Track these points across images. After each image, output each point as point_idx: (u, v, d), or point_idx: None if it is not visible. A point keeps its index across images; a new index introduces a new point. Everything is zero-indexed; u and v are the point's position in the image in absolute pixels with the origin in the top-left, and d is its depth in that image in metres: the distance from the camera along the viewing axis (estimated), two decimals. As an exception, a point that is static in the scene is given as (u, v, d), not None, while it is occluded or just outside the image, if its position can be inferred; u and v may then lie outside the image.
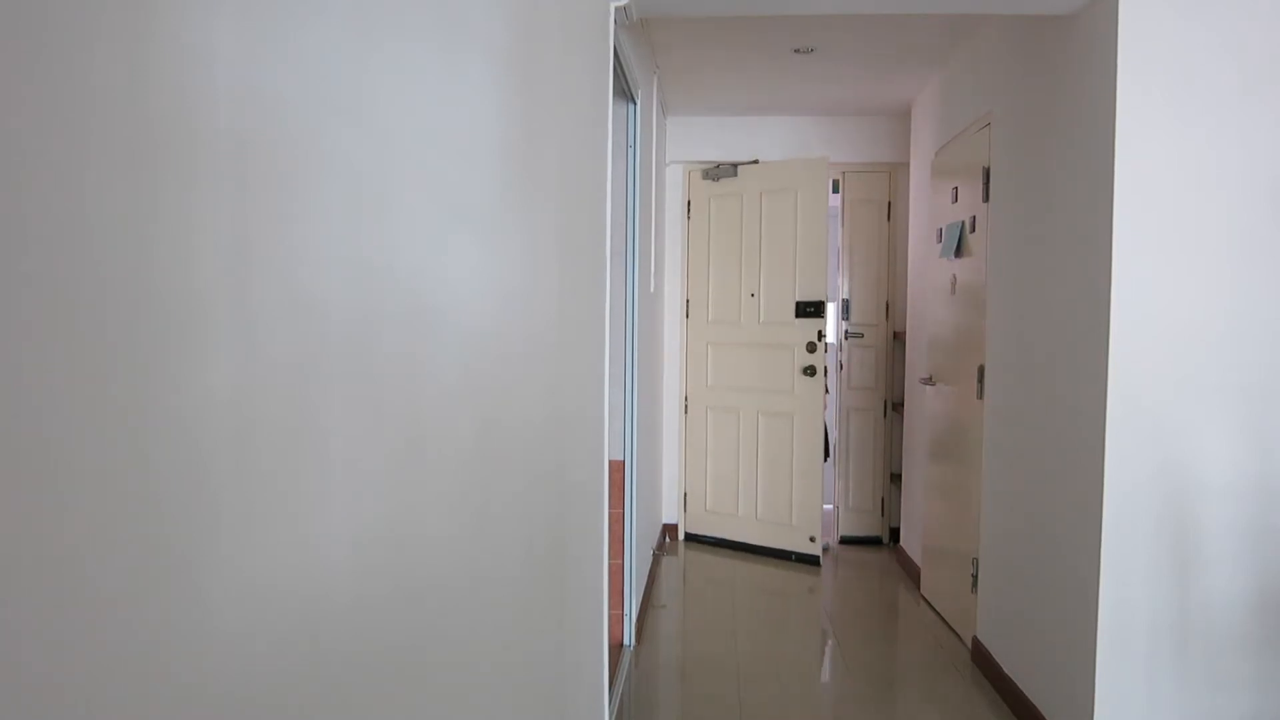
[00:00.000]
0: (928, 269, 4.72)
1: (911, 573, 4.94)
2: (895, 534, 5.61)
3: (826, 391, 5.28)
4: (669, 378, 5.64)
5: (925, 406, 4.71)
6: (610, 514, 2.97)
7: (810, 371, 5.15)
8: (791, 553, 5.26)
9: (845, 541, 5.72)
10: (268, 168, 0.75)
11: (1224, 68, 2.60)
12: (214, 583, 0.68)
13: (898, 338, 5.58)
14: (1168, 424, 2.66)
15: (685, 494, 5.72)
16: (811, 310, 5.18)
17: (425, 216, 1.11)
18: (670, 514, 5.73)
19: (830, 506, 5.90)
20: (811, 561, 5.21)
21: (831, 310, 6.02)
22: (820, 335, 5.16)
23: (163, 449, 0.62)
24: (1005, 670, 3.40)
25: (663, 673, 3.74)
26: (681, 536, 5.74)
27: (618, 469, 3.65)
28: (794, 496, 5.25)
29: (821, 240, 5.17)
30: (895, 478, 5.61)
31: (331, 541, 0.87)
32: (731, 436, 5.53)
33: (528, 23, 1.60)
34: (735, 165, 5.43)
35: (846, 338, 5.70)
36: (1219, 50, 2.60)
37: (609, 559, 2.83)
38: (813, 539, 5.20)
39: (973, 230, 3.94)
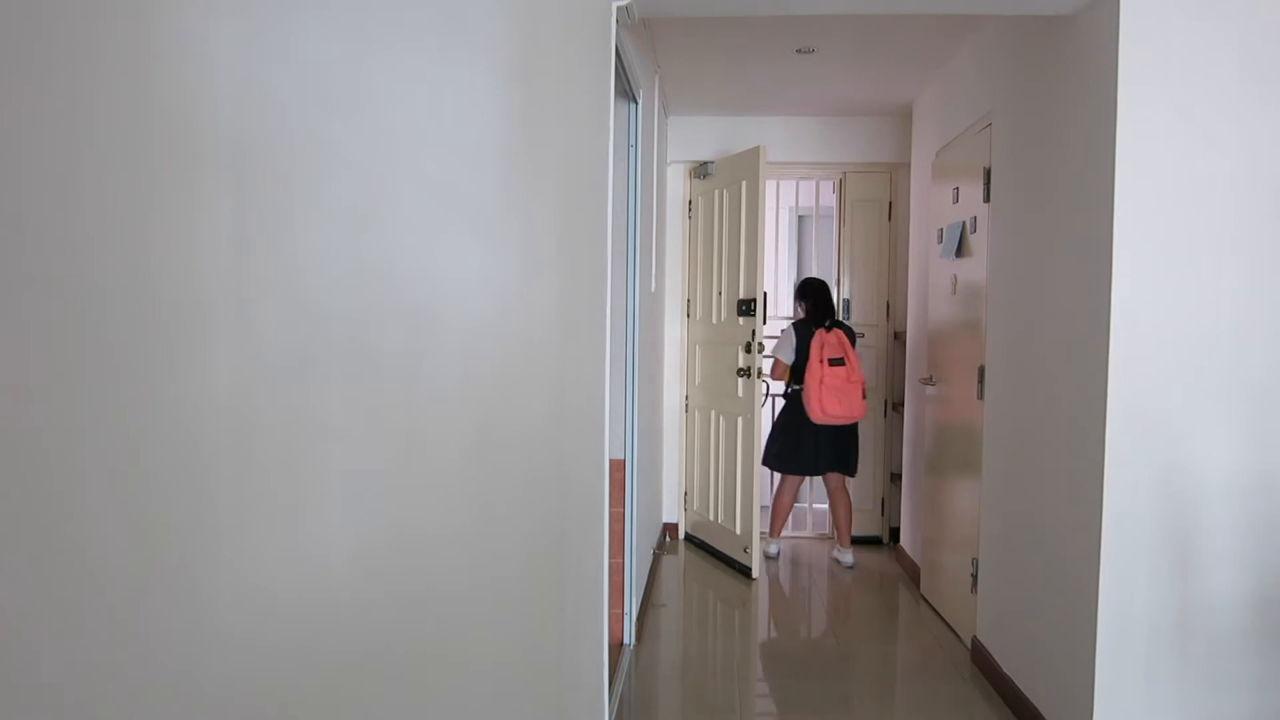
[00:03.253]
0: (928, 269, 4.72)
1: (911, 573, 4.94)
2: (895, 534, 5.61)
3: (768, 395, 5.05)
4: (669, 378, 5.63)
5: (925, 406, 4.71)
6: (610, 513, 2.98)
7: (743, 373, 4.90)
8: (736, 562, 5.06)
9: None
10: (268, 168, 0.75)
11: (1225, 67, 2.60)
12: (213, 583, 0.68)
13: (898, 338, 5.58)
14: (1168, 424, 2.66)
15: (685, 494, 5.72)
16: (746, 309, 4.88)
17: (426, 216, 1.11)
18: (670, 513, 5.73)
19: (824, 506, 5.87)
20: (744, 572, 4.96)
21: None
22: (753, 334, 4.81)
23: (162, 449, 0.62)
24: (1005, 670, 3.40)
25: (663, 672, 3.74)
26: (681, 536, 5.73)
27: (618, 468, 3.65)
28: (738, 503, 5.03)
29: (755, 234, 4.80)
30: (895, 477, 5.61)
31: (331, 542, 0.87)
32: (708, 438, 5.41)
33: (529, 23, 1.60)
34: (711, 162, 5.32)
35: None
36: (1221, 50, 2.60)
37: (609, 558, 2.83)
38: (746, 549, 4.95)
39: (973, 230, 3.93)
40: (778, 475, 5.34)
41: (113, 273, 0.57)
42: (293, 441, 0.79)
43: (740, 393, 4.98)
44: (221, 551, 0.68)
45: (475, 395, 1.31)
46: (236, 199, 0.70)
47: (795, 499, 5.33)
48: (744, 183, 4.95)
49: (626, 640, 3.80)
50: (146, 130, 0.60)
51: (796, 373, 5.04)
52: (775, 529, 5.30)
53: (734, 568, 5.07)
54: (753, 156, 4.89)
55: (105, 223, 0.56)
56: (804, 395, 4.96)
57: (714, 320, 5.31)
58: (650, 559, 4.71)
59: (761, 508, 5.35)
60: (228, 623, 0.69)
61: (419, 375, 1.09)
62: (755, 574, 4.90)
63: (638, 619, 3.92)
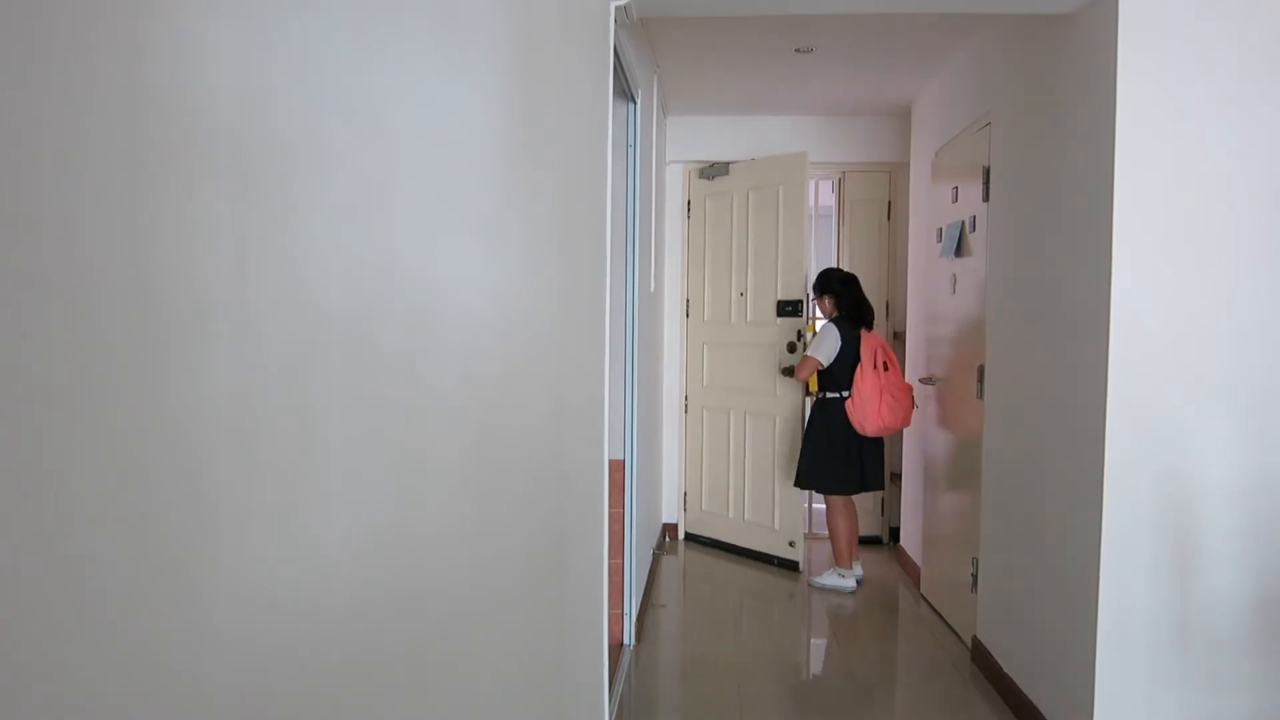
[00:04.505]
0: (928, 269, 4.71)
1: (911, 572, 4.94)
2: (895, 534, 5.61)
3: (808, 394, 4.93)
4: (669, 378, 5.63)
5: (925, 406, 4.71)
6: (610, 513, 2.97)
7: (789, 372, 4.95)
8: (774, 557, 5.17)
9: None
10: (268, 168, 0.75)
11: (1225, 65, 2.60)
12: (212, 585, 0.68)
13: (898, 338, 5.58)
14: (1168, 424, 2.66)
15: (685, 494, 5.72)
16: (790, 309, 5.05)
17: (425, 216, 1.11)
18: (670, 513, 5.73)
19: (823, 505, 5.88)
20: (792, 567, 5.08)
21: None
22: (800, 335, 4.99)
23: (161, 449, 0.62)
24: (1005, 670, 3.40)
25: (663, 672, 3.74)
26: (681, 536, 5.73)
27: (618, 468, 3.64)
28: (776, 499, 5.15)
29: (800, 237, 4.98)
30: (895, 477, 5.61)
31: (331, 542, 0.87)
32: (723, 437, 5.49)
33: (528, 23, 1.60)
34: (727, 163, 5.40)
35: None
36: (1220, 48, 2.60)
37: (609, 558, 2.83)
38: (792, 544, 5.08)
39: (973, 230, 3.93)
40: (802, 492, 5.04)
41: (112, 272, 0.57)
42: (292, 441, 0.79)
43: (779, 392, 5.09)
44: (221, 551, 0.68)
45: (475, 395, 1.31)
46: (236, 199, 0.70)
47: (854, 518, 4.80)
48: (781, 187, 5.11)
49: (626, 640, 3.80)
50: (146, 130, 0.60)
51: (827, 378, 4.64)
52: (848, 557, 4.75)
53: (772, 563, 5.19)
54: (795, 162, 5.07)
55: (105, 223, 0.56)
56: (852, 405, 4.48)
57: (732, 320, 5.40)
58: (650, 559, 4.71)
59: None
60: (227, 623, 0.69)
61: (418, 375, 1.08)
62: (802, 567, 5.07)
63: (637, 619, 3.92)
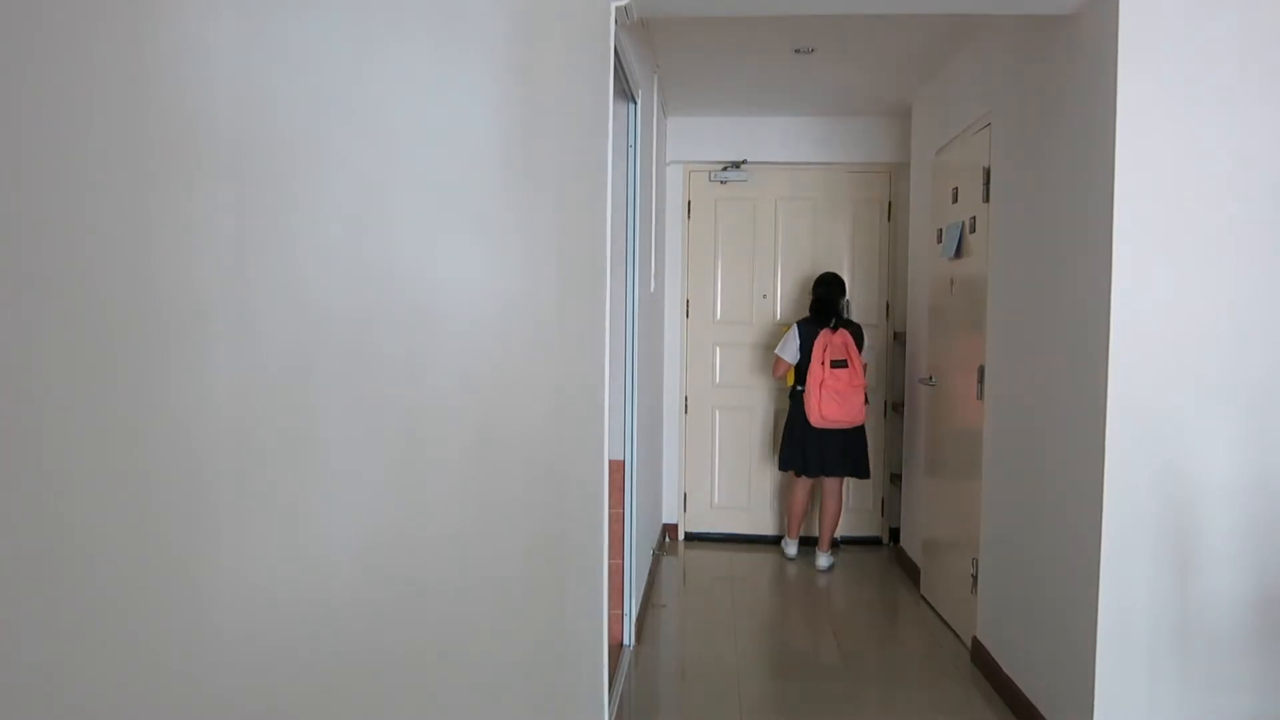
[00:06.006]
0: (928, 269, 4.72)
1: (911, 573, 4.94)
2: (895, 534, 5.60)
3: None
4: (669, 378, 5.64)
5: (925, 406, 4.71)
6: (610, 514, 2.97)
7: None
8: (814, 537, 5.41)
9: (845, 541, 5.72)
10: (268, 168, 0.75)
11: (1225, 65, 2.60)
12: (212, 585, 0.68)
13: (898, 338, 5.58)
14: (1168, 424, 2.66)
15: (685, 494, 5.73)
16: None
17: (425, 217, 1.11)
18: (670, 514, 5.73)
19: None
20: (832, 544, 5.33)
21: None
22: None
23: (162, 449, 0.62)
24: (1005, 670, 3.40)
25: (663, 672, 3.74)
26: (681, 536, 5.74)
27: (618, 469, 3.64)
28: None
29: (842, 246, 5.42)
30: (895, 478, 5.61)
31: (331, 542, 0.87)
32: (744, 434, 5.66)
33: (528, 23, 1.60)
34: (742, 166, 5.50)
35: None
36: (1220, 48, 2.60)
37: (609, 559, 2.83)
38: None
39: (973, 230, 3.93)
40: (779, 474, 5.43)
41: (113, 273, 0.57)
42: (293, 442, 0.79)
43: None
44: (221, 551, 0.68)
45: (475, 395, 1.31)
46: (236, 200, 0.70)
47: (808, 501, 5.29)
48: (818, 196, 5.51)
49: (626, 641, 3.80)
50: (146, 130, 0.60)
51: (801, 373, 5.02)
52: (795, 530, 5.30)
53: (808, 544, 5.46)
54: (833, 173, 5.49)
55: (105, 223, 0.56)
56: (804, 397, 4.93)
57: (754, 322, 5.64)
58: (650, 559, 4.71)
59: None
60: (228, 623, 0.69)
61: (419, 375, 1.08)
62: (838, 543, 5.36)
63: (637, 620, 3.92)
